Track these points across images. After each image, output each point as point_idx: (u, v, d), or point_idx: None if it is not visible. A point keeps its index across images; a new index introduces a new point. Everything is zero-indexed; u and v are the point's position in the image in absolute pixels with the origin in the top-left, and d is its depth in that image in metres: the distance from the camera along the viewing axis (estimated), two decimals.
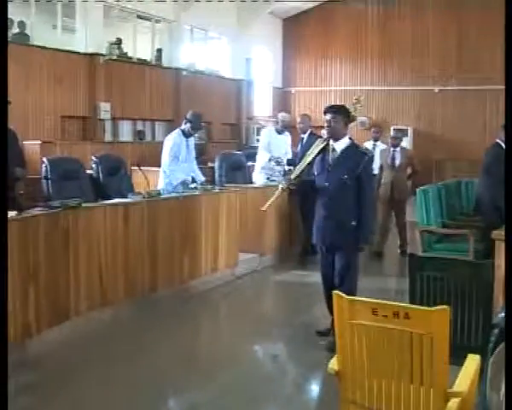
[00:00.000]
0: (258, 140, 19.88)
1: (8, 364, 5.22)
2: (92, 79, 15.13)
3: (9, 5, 13.94)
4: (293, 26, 23.29)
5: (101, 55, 15.34)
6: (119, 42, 16.51)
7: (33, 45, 14.18)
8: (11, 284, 5.45)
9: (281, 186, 6.05)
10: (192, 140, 8.86)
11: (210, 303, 7.80)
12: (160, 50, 18.14)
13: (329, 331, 6.04)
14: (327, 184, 5.85)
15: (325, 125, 5.87)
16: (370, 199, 6.27)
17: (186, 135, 8.62)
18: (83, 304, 6.40)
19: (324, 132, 6.31)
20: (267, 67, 23.03)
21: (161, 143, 9.02)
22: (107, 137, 15.69)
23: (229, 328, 7.22)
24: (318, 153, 5.95)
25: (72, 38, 15.57)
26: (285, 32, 23.60)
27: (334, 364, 3.57)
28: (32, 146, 10.70)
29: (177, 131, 8.65)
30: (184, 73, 18.08)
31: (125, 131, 16.89)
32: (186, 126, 8.61)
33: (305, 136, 9.68)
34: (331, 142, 5.87)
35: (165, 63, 18.07)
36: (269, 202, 6.31)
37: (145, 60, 17.70)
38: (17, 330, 5.59)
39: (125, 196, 7.59)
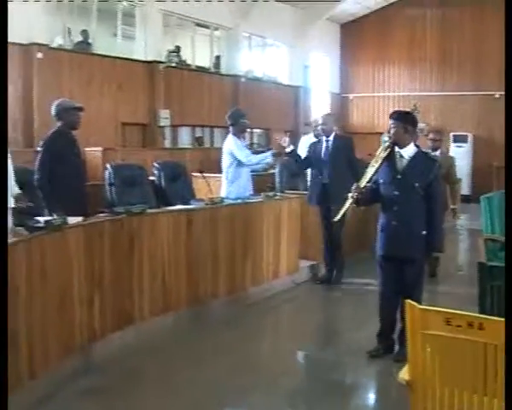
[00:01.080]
0: None
1: (73, 367, 5.35)
2: (152, 87, 15.31)
3: (71, 14, 14.31)
4: (351, 31, 23.19)
5: (161, 62, 15.53)
6: (177, 49, 16.71)
7: (95, 54, 14.41)
8: (77, 289, 5.54)
9: (350, 195, 5.90)
10: (244, 142, 8.82)
11: (271, 310, 7.78)
12: (218, 57, 18.27)
13: (379, 350, 5.96)
14: (396, 192, 5.71)
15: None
16: (440, 206, 6.13)
17: (239, 134, 8.60)
18: (146, 309, 6.45)
19: (386, 136, 6.14)
20: (325, 73, 22.97)
21: (220, 149, 9.01)
22: (167, 143, 15.85)
23: (290, 336, 7.18)
24: (383, 160, 5.83)
25: (132, 46, 15.79)
26: (343, 37, 23.51)
27: (404, 374, 3.52)
28: (93, 152, 10.85)
29: (232, 138, 8.56)
30: (242, 79, 18.16)
31: (184, 138, 17.04)
32: (233, 129, 8.58)
33: (330, 138, 8.59)
34: (396, 149, 5.76)
35: (223, 70, 18.19)
36: (341, 213, 6.15)
37: (204, 67, 17.85)
38: (83, 335, 5.65)
39: (186, 203, 7.63)
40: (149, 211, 6.64)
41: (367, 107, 22.96)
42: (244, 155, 8.39)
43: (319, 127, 8.90)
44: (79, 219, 5.77)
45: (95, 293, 5.78)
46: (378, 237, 5.94)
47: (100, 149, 10.94)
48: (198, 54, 17.67)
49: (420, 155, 5.80)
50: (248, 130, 13.78)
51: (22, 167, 6.95)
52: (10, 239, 4.79)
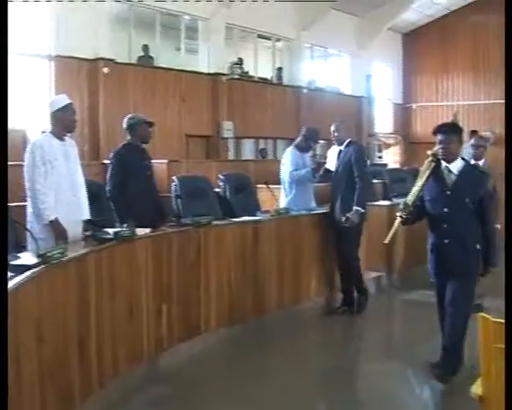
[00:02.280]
0: (380, 157, 19.72)
1: (141, 377, 5.41)
2: (215, 99, 15.44)
3: (136, 29, 14.54)
4: (413, 40, 23.00)
5: (224, 74, 15.65)
6: (240, 61, 16.84)
7: (158, 67, 14.62)
8: (145, 299, 5.59)
9: (399, 214, 5.71)
10: (308, 156, 8.66)
11: (335, 322, 7.71)
12: (280, 69, 18.33)
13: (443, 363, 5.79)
14: (446, 209, 5.42)
15: (437, 146, 5.45)
16: (494, 219, 5.87)
17: (301, 150, 8.50)
18: (213, 320, 6.48)
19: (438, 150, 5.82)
20: (387, 83, 22.83)
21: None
22: (230, 155, 15.94)
23: (353, 348, 7.11)
24: (428, 176, 5.54)
25: (195, 58, 15.98)
26: (405, 47, 23.35)
27: (477, 388, 3.44)
28: (159, 164, 10.96)
29: (291, 151, 8.48)
30: (305, 90, 18.17)
31: (248, 150, 17.13)
32: (301, 142, 8.50)
33: (342, 148, 7.77)
34: (444, 163, 5.45)
35: (285, 81, 18.24)
36: (391, 233, 5.83)
37: (266, 78, 17.94)
38: (150, 345, 5.70)
39: (251, 214, 7.63)
40: (216, 222, 6.70)
41: (430, 116, 22.68)
42: (288, 171, 8.33)
43: (333, 134, 7.88)
44: (147, 230, 5.84)
45: (162, 303, 5.83)
46: (429, 257, 5.67)
47: (165, 161, 11.02)
48: (260, 65, 17.78)
49: (469, 169, 5.52)
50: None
51: (90, 180, 7.02)
52: (82, 250, 4.91)
